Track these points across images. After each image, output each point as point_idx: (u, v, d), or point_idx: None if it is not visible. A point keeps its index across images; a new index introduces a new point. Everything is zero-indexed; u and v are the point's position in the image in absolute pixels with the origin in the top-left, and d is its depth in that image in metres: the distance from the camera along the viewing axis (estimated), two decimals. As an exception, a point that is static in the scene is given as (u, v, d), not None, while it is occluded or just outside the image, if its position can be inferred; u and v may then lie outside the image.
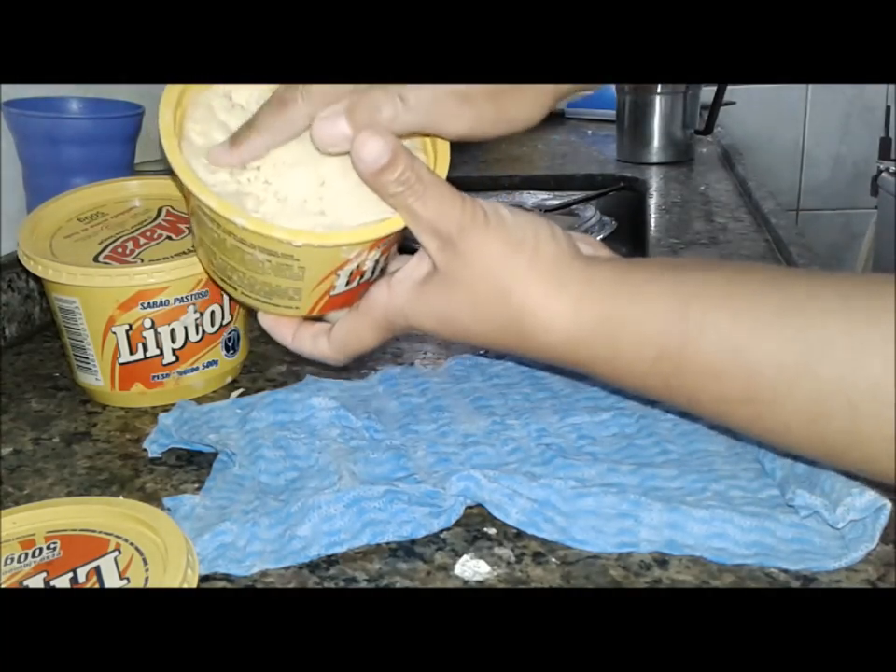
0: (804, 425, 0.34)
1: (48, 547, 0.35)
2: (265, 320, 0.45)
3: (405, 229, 0.40)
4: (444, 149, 0.43)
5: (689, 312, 0.37)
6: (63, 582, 0.32)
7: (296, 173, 0.41)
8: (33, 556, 0.34)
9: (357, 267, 0.41)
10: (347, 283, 0.42)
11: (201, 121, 0.42)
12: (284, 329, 0.45)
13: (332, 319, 0.44)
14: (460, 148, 0.44)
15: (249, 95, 0.43)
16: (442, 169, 0.42)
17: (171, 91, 0.42)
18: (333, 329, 0.44)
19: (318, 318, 0.45)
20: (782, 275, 0.38)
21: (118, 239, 0.55)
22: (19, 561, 0.34)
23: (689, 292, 0.37)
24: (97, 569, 0.33)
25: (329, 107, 0.39)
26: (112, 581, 0.32)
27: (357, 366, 0.59)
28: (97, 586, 0.32)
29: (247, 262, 0.41)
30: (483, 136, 0.43)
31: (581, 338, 0.39)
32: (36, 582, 0.33)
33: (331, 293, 0.42)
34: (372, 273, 0.42)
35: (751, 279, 0.37)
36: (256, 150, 0.41)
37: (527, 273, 0.39)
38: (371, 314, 0.42)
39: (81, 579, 0.33)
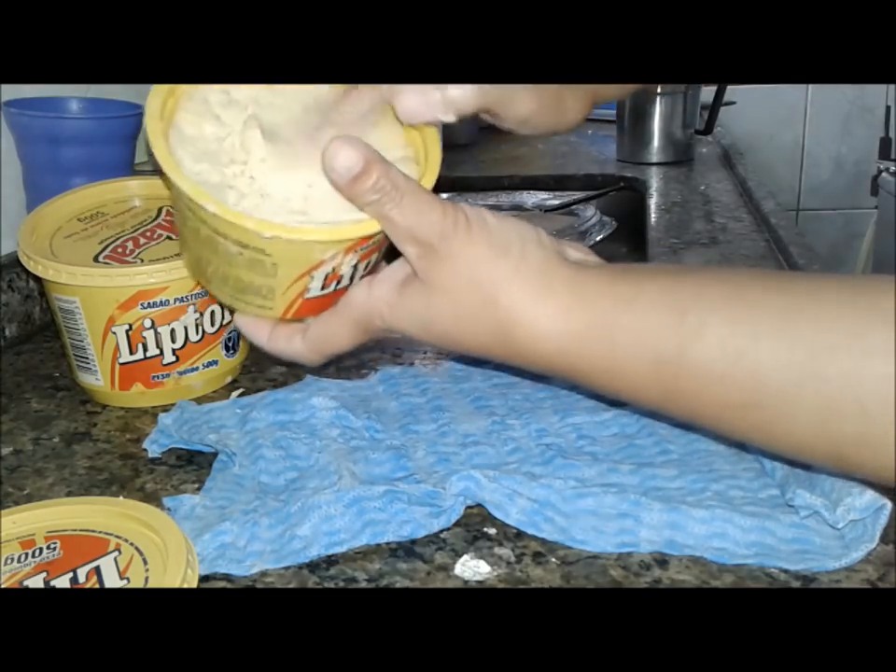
0: (813, 429, 0.33)
1: (48, 547, 0.35)
2: (240, 319, 0.44)
3: (387, 237, 0.40)
4: (435, 160, 0.42)
5: (686, 317, 0.35)
6: (63, 582, 0.32)
7: (283, 172, 0.40)
8: (33, 556, 0.34)
9: (333, 270, 0.40)
10: (323, 287, 0.41)
11: (194, 112, 0.42)
12: (259, 329, 0.44)
13: (309, 322, 0.43)
14: (460, 149, 0.44)
15: (248, 93, 0.43)
16: (431, 179, 0.41)
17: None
18: (310, 327, 0.43)
19: (296, 321, 0.44)
20: (781, 279, 0.37)
21: (118, 239, 0.55)
22: (19, 561, 0.34)
23: (685, 297, 0.36)
24: (97, 569, 0.33)
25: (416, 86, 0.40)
26: (112, 581, 0.32)
27: (356, 366, 0.59)
28: (97, 586, 0.32)
29: (220, 254, 0.40)
30: (537, 127, 0.44)
31: (573, 345, 0.38)
32: (36, 582, 0.33)
33: (306, 295, 0.41)
34: (351, 279, 0.41)
35: (750, 283, 0.36)
36: None
37: (513, 278, 0.38)
38: (348, 312, 0.41)
39: (81, 579, 0.33)
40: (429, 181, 0.41)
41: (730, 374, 0.34)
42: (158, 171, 0.40)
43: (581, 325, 0.37)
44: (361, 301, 0.41)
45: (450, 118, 0.42)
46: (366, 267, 0.41)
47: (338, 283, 0.41)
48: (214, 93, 0.43)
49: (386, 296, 0.40)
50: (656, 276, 0.38)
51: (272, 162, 0.41)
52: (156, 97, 0.41)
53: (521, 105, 0.42)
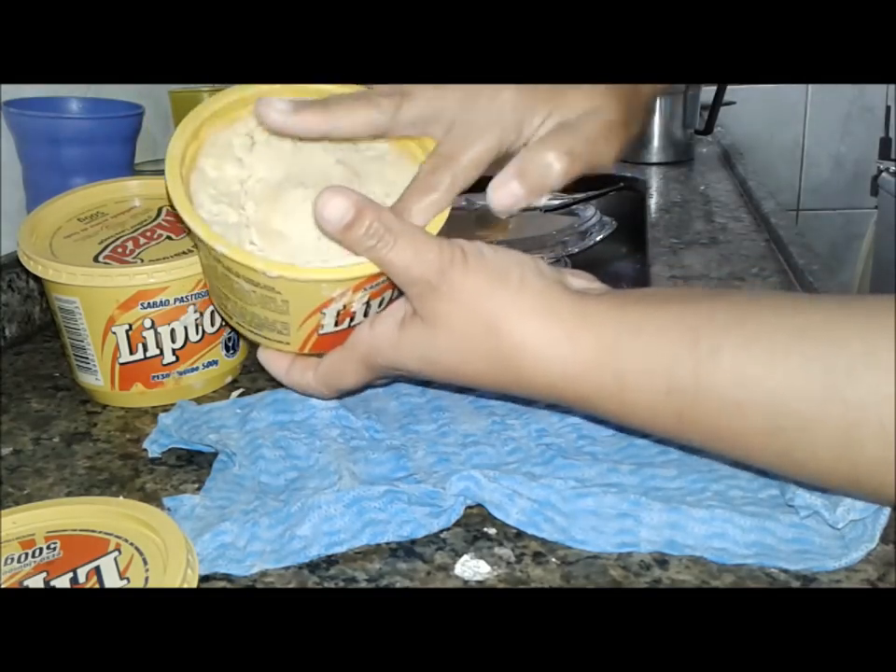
0: (835, 454, 0.32)
1: (48, 547, 0.35)
2: (261, 354, 0.46)
3: None
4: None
5: (699, 340, 0.35)
6: (63, 582, 0.32)
7: (299, 213, 0.41)
8: (33, 556, 0.34)
9: (345, 308, 0.41)
10: (336, 323, 0.42)
11: (216, 156, 0.44)
12: (278, 363, 0.46)
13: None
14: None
15: (269, 134, 0.44)
16: (443, 213, 0.42)
17: (187, 123, 0.44)
18: (320, 363, 0.44)
19: (315, 355, 0.45)
20: (793, 301, 0.36)
21: (118, 239, 0.55)
22: (19, 561, 0.34)
23: (696, 321, 0.35)
24: (97, 569, 0.33)
25: (500, 174, 0.41)
26: (112, 581, 0.32)
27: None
28: (97, 586, 0.32)
29: (236, 291, 0.42)
30: (618, 159, 0.44)
31: (582, 371, 0.37)
32: (36, 582, 0.33)
33: (320, 331, 0.42)
34: (365, 315, 0.42)
35: (761, 306, 0.36)
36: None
37: (514, 306, 0.38)
38: (353, 350, 0.42)
39: (81, 579, 0.33)
40: (442, 215, 0.42)
41: (748, 400, 0.34)
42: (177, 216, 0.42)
43: (588, 350, 0.37)
44: (363, 338, 0.41)
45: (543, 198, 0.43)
46: (380, 304, 0.42)
47: (351, 320, 0.42)
48: (238, 137, 0.44)
49: (388, 333, 0.41)
50: (664, 302, 0.37)
51: (288, 198, 0.42)
52: (179, 141, 0.43)
53: (605, 159, 0.43)
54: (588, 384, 0.37)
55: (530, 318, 0.38)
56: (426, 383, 0.54)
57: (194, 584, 0.32)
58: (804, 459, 0.34)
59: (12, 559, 0.34)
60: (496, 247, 0.40)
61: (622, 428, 0.48)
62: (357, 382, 0.43)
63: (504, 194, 0.41)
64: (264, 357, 0.46)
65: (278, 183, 0.43)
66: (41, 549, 0.35)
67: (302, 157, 0.44)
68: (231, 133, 0.45)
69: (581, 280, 0.42)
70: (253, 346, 0.61)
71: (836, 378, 0.32)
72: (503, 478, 0.41)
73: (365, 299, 0.41)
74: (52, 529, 0.36)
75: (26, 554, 0.34)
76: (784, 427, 0.33)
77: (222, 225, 0.41)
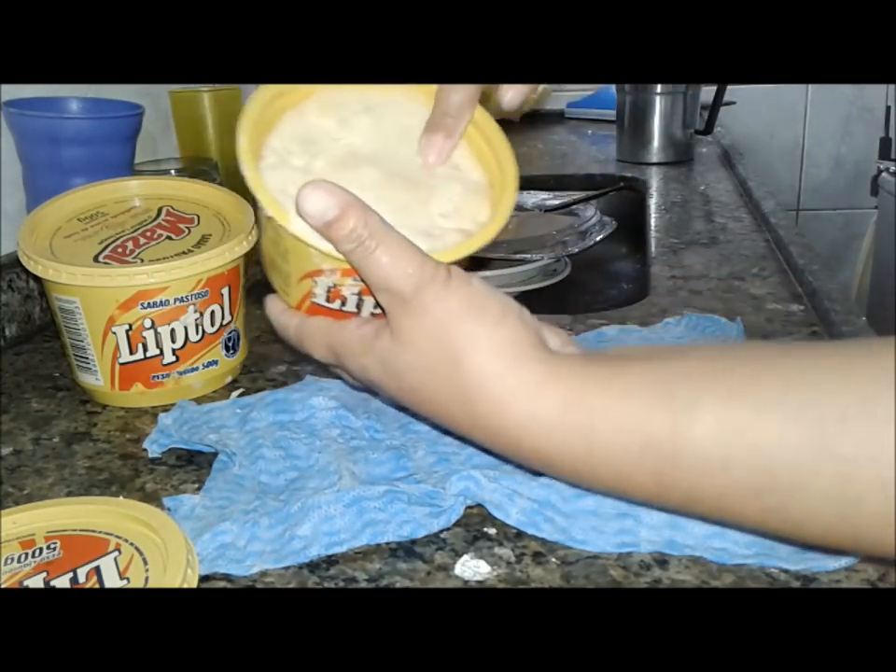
0: (832, 512, 0.30)
1: (48, 547, 0.35)
2: (269, 298, 0.46)
3: None
4: (511, 183, 0.44)
5: (675, 394, 0.32)
6: (63, 582, 0.32)
7: (352, 190, 0.40)
8: (33, 556, 0.34)
9: (335, 286, 0.41)
10: (328, 300, 0.42)
11: (325, 106, 0.45)
12: (277, 304, 0.45)
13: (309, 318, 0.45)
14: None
15: (386, 110, 0.45)
16: (509, 202, 0.43)
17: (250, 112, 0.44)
18: (305, 320, 0.43)
19: None
20: (774, 351, 0.34)
21: (118, 239, 0.55)
22: (19, 561, 0.34)
23: (672, 376, 0.33)
24: (97, 569, 0.33)
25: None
26: (112, 581, 0.32)
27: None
28: (97, 586, 0.32)
29: (262, 224, 0.43)
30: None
31: (546, 425, 0.34)
32: (36, 582, 0.33)
33: (312, 299, 0.42)
34: (358, 308, 0.42)
35: (740, 357, 0.33)
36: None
37: (483, 341, 0.36)
38: (333, 334, 0.41)
39: (81, 579, 0.33)
40: (508, 205, 0.42)
41: (733, 457, 0.31)
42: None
43: (553, 404, 0.34)
44: (347, 330, 0.41)
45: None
46: (375, 306, 0.41)
47: (343, 304, 0.42)
48: (356, 102, 0.45)
49: (364, 335, 0.40)
50: (636, 357, 0.35)
51: (348, 177, 0.42)
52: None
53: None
54: (553, 441, 0.35)
55: (496, 358, 0.36)
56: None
57: (194, 584, 0.32)
58: (798, 519, 0.31)
59: (12, 559, 0.34)
60: (488, 283, 0.38)
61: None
62: (322, 359, 0.43)
63: (514, 93, 0.43)
64: (269, 298, 0.46)
65: (359, 156, 0.43)
66: (41, 549, 0.35)
67: (399, 146, 0.44)
68: (353, 95, 0.45)
69: (556, 339, 0.40)
70: (252, 346, 0.61)
71: (827, 429, 0.29)
72: (503, 478, 0.41)
73: (356, 290, 0.41)
74: (52, 529, 0.36)
75: (26, 554, 0.34)
76: (774, 485, 0.30)
77: (282, 160, 0.42)
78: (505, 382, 0.35)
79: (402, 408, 0.45)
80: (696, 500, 0.33)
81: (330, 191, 0.37)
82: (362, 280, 0.39)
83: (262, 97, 0.42)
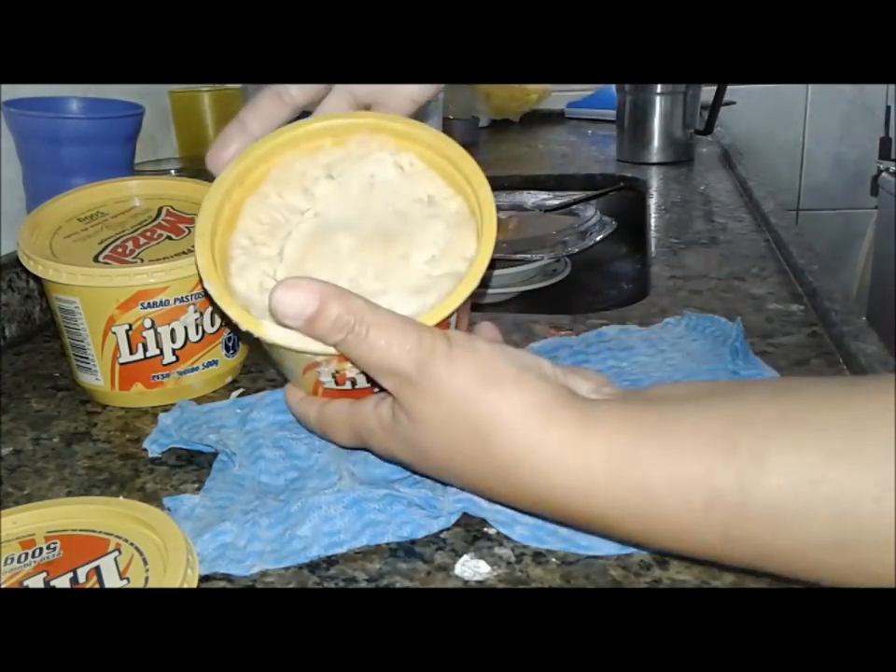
0: None
1: (48, 547, 0.35)
2: (287, 387, 0.44)
3: None
4: (489, 210, 0.40)
5: (738, 443, 0.30)
6: (63, 582, 0.32)
7: (331, 261, 0.40)
8: (33, 556, 0.34)
9: (338, 372, 0.39)
10: (337, 383, 0.40)
11: (283, 183, 0.44)
12: (295, 392, 0.44)
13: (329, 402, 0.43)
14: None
15: (349, 173, 0.44)
16: (489, 237, 0.39)
17: (258, 146, 0.44)
18: (325, 405, 0.42)
19: None
20: (826, 390, 0.31)
21: (118, 239, 0.55)
22: (19, 561, 0.34)
23: (729, 422, 0.31)
24: (97, 569, 0.33)
25: None
26: (112, 581, 0.32)
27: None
28: (97, 586, 0.32)
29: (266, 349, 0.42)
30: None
31: (594, 486, 0.32)
32: (36, 582, 0.33)
33: (324, 386, 0.41)
34: (369, 381, 0.39)
35: (798, 398, 0.31)
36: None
37: (506, 413, 0.33)
38: (353, 418, 0.40)
39: (81, 579, 0.33)
40: (488, 239, 0.39)
41: (810, 508, 0.29)
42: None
43: (599, 461, 0.32)
44: (366, 413, 0.39)
45: None
46: None
47: (354, 384, 0.40)
48: (315, 168, 0.44)
49: (385, 418, 0.38)
50: (684, 399, 0.33)
51: (323, 249, 0.41)
52: (234, 169, 0.43)
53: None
54: (604, 499, 0.32)
55: (526, 428, 0.33)
56: None
57: (194, 584, 0.32)
58: (881, 573, 0.29)
59: (12, 559, 0.34)
60: (493, 344, 0.36)
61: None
62: (348, 444, 0.42)
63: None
64: (287, 389, 0.44)
65: (330, 225, 0.42)
66: (41, 549, 0.35)
67: (368, 201, 0.43)
68: (308, 163, 0.44)
69: (588, 383, 0.38)
70: (252, 347, 0.61)
71: None
72: None
73: (358, 370, 0.39)
74: (52, 529, 0.36)
75: (26, 554, 0.34)
76: (855, 540, 0.28)
77: (251, 256, 0.41)
78: (542, 451, 0.33)
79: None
80: (768, 557, 0.31)
81: (303, 286, 0.35)
82: (361, 370, 0.38)
83: (213, 202, 0.42)
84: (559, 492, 0.33)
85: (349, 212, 0.42)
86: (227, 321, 0.42)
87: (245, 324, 0.38)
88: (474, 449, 0.34)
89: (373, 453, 0.41)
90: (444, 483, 0.41)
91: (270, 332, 0.38)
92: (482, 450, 0.34)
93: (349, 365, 0.38)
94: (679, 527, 0.31)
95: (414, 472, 0.40)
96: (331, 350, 0.37)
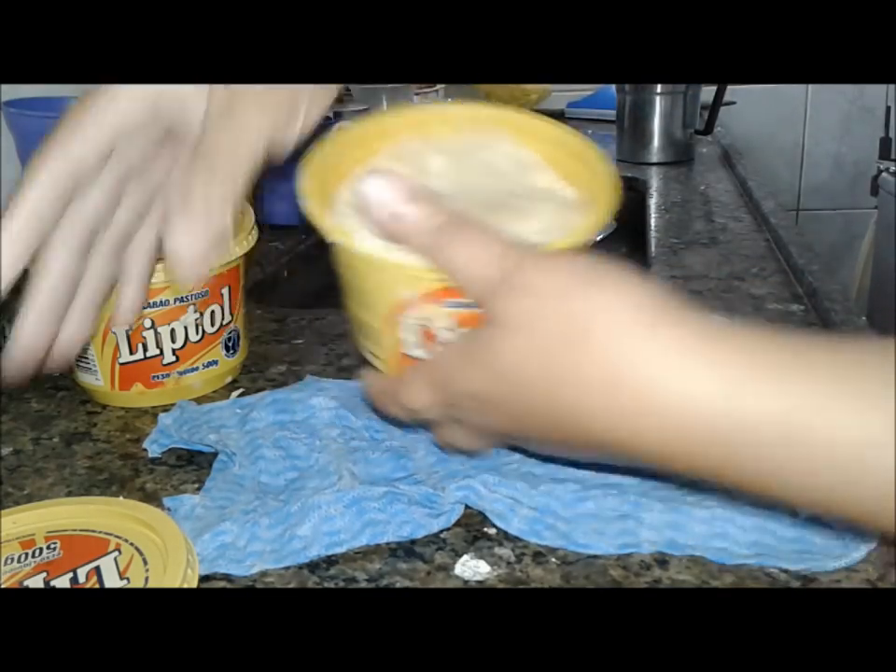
0: None
1: (48, 547, 0.35)
2: (365, 377, 0.40)
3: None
4: (608, 198, 0.40)
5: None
6: (63, 582, 0.32)
7: None
8: (33, 556, 0.34)
9: (423, 324, 0.36)
10: (421, 345, 0.37)
11: (395, 158, 0.42)
12: (374, 381, 0.40)
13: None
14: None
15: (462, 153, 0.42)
16: (602, 211, 0.38)
17: (372, 125, 0.42)
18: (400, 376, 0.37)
19: None
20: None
21: (118, 239, 0.55)
22: (19, 561, 0.34)
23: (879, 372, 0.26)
24: (97, 569, 0.33)
25: None
26: (112, 582, 0.32)
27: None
28: (97, 586, 0.32)
29: (346, 283, 0.39)
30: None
31: (728, 413, 0.27)
32: (36, 582, 0.33)
33: (404, 350, 0.37)
34: None
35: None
36: None
37: (615, 303, 0.29)
38: (424, 364, 0.36)
39: (81, 579, 0.33)
40: (604, 208, 0.38)
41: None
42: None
43: (736, 377, 0.27)
44: (442, 354, 0.35)
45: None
46: None
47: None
48: (432, 154, 0.42)
49: (459, 345, 0.34)
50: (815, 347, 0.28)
51: None
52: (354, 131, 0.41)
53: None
54: (736, 429, 0.27)
55: (638, 323, 0.28)
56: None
57: (194, 584, 0.32)
58: None
59: (12, 559, 0.34)
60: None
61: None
62: (428, 405, 0.36)
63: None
64: (366, 375, 0.40)
65: (442, 195, 0.39)
66: (41, 549, 0.35)
67: (481, 181, 0.42)
68: (423, 145, 0.42)
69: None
70: (252, 346, 0.61)
71: None
72: (502, 486, 0.41)
73: (449, 321, 0.35)
74: (52, 529, 0.36)
75: (26, 554, 0.34)
76: None
77: (353, 212, 0.38)
78: (662, 350, 0.28)
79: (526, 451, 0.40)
80: None
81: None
82: (458, 305, 0.34)
83: (316, 165, 0.39)
84: (675, 405, 0.28)
85: (461, 188, 0.41)
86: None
87: (335, 234, 0.36)
88: (571, 348, 0.29)
89: (449, 405, 0.36)
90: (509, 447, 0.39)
91: (358, 242, 0.36)
92: (580, 349, 0.29)
93: (436, 311, 0.35)
94: (871, 505, 0.27)
95: (488, 414, 0.34)
96: (418, 267, 0.34)
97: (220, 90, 0.38)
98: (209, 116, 0.38)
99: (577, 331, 0.29)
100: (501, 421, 0.34)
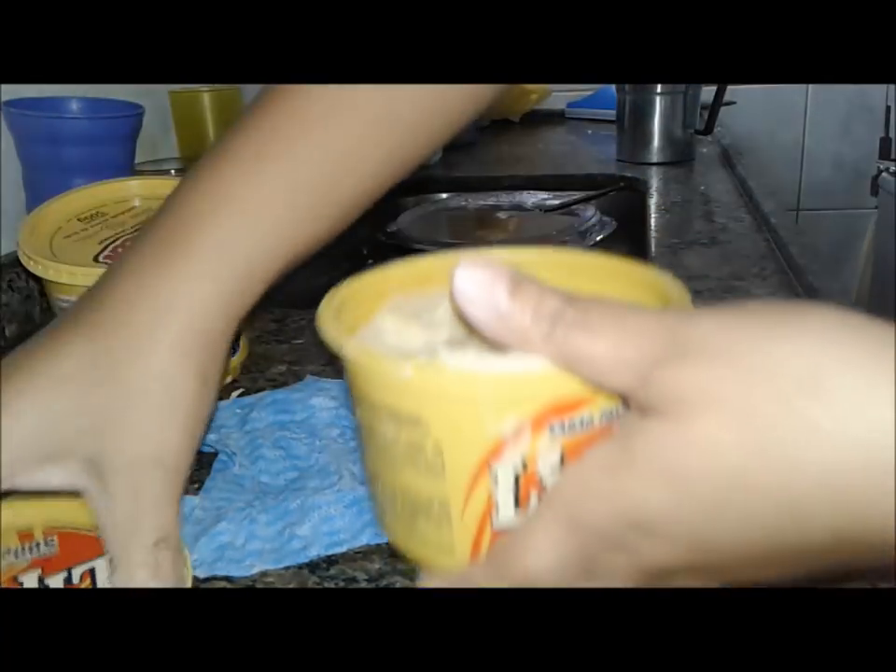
0: None
1: (45, 542, 0.35)
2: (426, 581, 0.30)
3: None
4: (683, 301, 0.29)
5: None
6: (56, 582, 0.32)
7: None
8: (30, 551, 0.34)
9: (526, 467, 0.27)
10: (516, 501, 0.27)
11: (399, 316, 0.34)
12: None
13: None
14: (460, 149, 0.44)
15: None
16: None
17: (368, 284, 0.34)
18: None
19: None
20: None
21: (118, 239, 0.55)
22: (16, 556, 0.34)
23: None
24: (91, 571, 0.33)
25: None
26: (105, 585, 0.32)
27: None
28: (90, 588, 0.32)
29: (380, 446, 0.29)
30: None
31: None
32: (31, 580, 0.33)
33: (493, 523, 0.28)
34: None
35: None
36: None
37: (834, 346, 0.22)
38: (541, 505, 0.27)
39: (75, 580, 0.33)
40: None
41: None
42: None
43: None
44: (576, 469, 0.26)
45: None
46: None
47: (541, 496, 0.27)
48: (431, 308, 0.34)
49: (597, 460, 0.25)
50: None
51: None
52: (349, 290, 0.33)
53: None
54: None
55: (853, 361, 0.22)
56: None
57: (188, 584, 0.32)
58: None
59: (9, 553, 0.34)
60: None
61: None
62: (548, 558, 0.27)
63: None
64: (424, 575, 0.30)
65: (463, 340, 0.31)
66: (38, 544, 0.35)
67: None
68: (423, 300, 0.34)
69: None
70: (252, 346, 0.61)
71: None
72: None
73: (556, 454, 0.26)
74: (52, 524, 0.36)
75: (23, 548, 0.34)
76: None
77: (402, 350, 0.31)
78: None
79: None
80: None
81: (489, 264, 0.25)
82: (572, 424, 0.26)
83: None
84: None
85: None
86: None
87: (371, 361, 0.27)
88: (797, 420, 0.22)
89: (594, 550, 0.28)
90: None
91: (445, 358, 0.27)
92: (814, 414, 0.21)
93: (545, 442, 0.26)
94: None
95: (660, 548, 0.27)
96: (529, 372, 0.25)
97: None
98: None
99: (803, 387, 0.22)
100: (685, 555, 0.26)
